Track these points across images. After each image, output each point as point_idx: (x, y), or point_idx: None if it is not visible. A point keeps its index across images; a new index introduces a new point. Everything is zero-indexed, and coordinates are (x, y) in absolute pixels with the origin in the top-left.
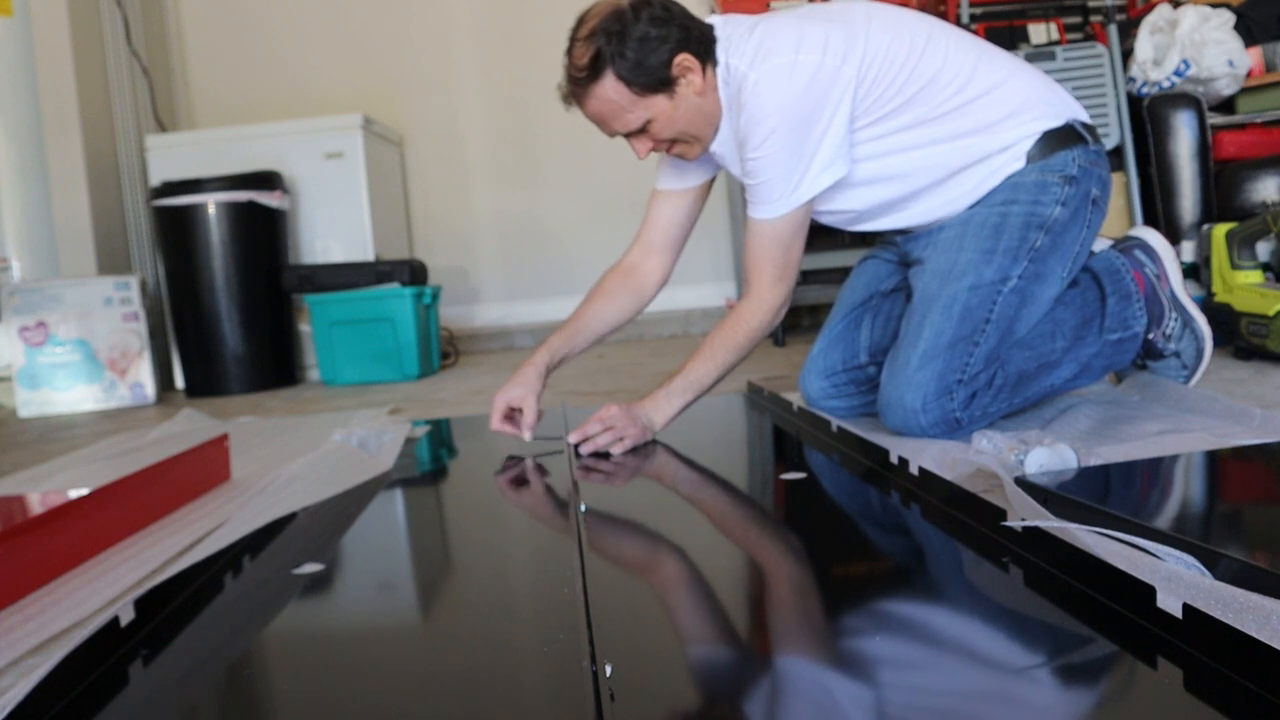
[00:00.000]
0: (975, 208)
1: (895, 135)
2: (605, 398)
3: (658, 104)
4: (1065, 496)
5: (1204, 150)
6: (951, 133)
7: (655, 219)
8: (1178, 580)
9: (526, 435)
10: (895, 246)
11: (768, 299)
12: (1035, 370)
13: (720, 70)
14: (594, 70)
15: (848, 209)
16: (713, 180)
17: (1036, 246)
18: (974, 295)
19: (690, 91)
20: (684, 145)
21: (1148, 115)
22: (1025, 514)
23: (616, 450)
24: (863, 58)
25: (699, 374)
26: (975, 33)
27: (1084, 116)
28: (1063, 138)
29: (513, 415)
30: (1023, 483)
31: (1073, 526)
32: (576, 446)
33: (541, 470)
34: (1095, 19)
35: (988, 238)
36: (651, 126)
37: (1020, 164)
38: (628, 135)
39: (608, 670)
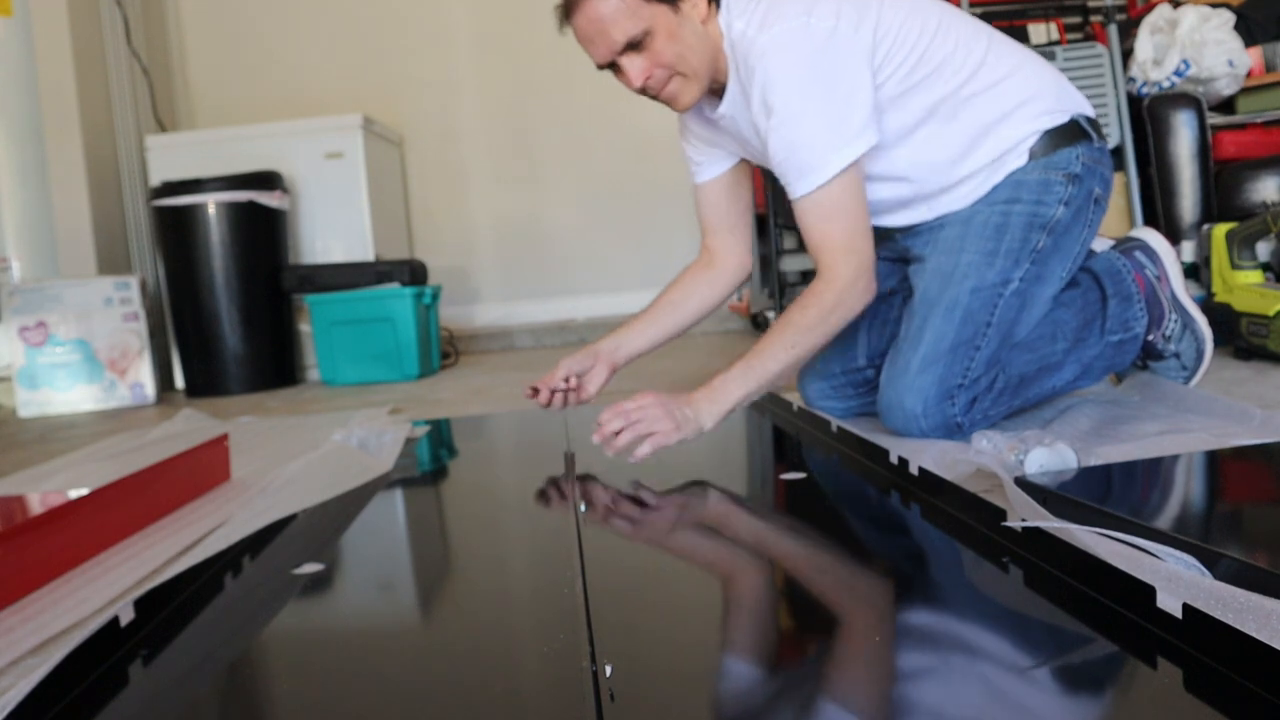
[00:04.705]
0: (977, 205)
1: (902, 123)
2: (606, 398)
3: (661, 15)
4: (1065, 496)
5: (1204, 150)
6: (958, 124)
7: (704, 206)
8: (1178, 580)
9: (552, 399)
10: (893, 242)
11: (841, 272)
12: (1036, 373)
13: (724, 28)
14: None
15: None
16: (744, 161)
17: (1039, 248)
18: (975, 298)
19: (695, 14)
20: (680, 80)
21: (1148, 115)
22: (1025, 514)
23: (640, 453)
24: (875, 31)
25: (763, 358)
26: None
27: (1089, 111)
28: (1067, 134)
29: (567, 389)
30: (1023, 483)
31: (1073, 527)
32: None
33: (542, 470)
34: (1095, 19)
35: (989, 238)
36: (651, 42)
37: (1023, 160)
38: (622, 54)
39: (608, 670)
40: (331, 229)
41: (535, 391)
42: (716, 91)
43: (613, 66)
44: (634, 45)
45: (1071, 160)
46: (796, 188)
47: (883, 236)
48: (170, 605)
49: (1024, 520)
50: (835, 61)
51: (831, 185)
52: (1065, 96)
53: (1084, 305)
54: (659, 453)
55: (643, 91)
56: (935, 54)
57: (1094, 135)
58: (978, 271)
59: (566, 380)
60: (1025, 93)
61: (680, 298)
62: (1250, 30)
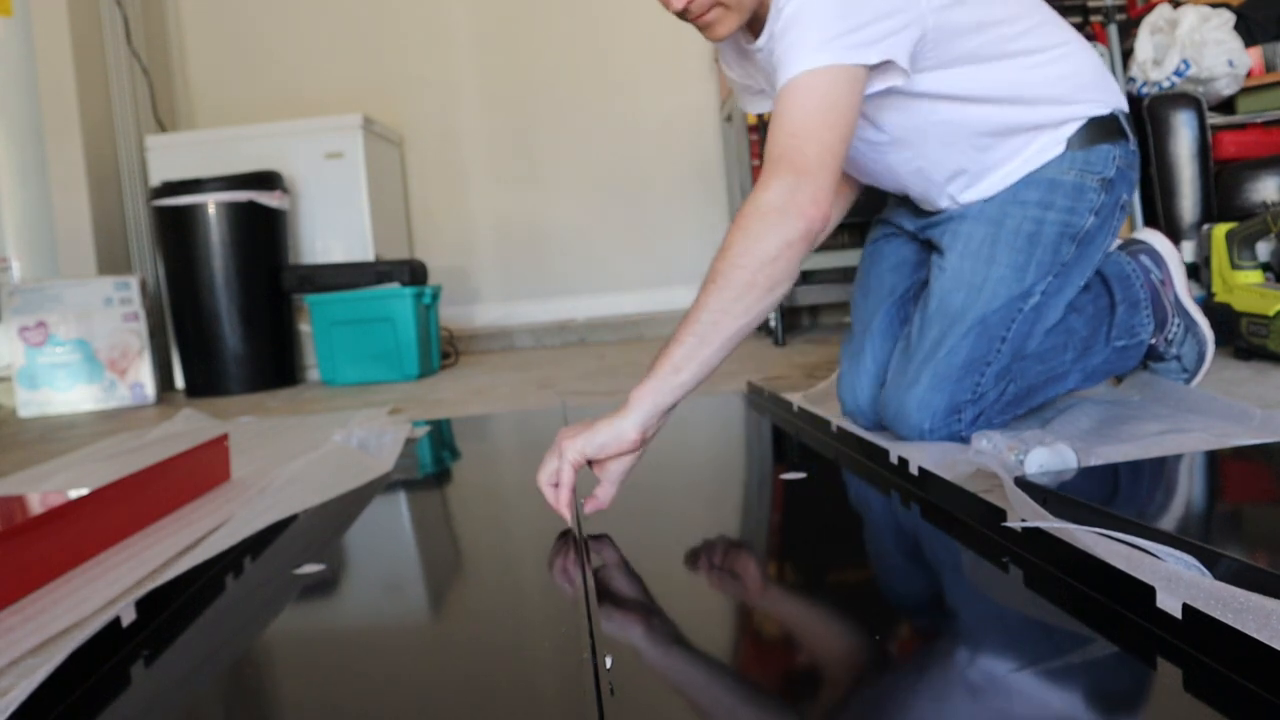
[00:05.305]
0: (1006, 204)
1: (957, 80)
2: (605, 398)
3: None
4: (1065, 496)
5: (1204, 150)
6: (1008, 88)
7: None
8: (1178, 580)
9: None
10: (909, 219)
11: (775, 183)
12: (1043, 383)
13: None
14: None
15: (878, 158)
16: None
17: (1065, 261)
18: (996, 314)
19: None
20: (722, 10)
21: (1148, 115)
22: (1025, 514)
23: (562, 480)
24: None
25: (693, 307)
26: None
27: (1125, 107)
28: (1105, 129)
29: None
30: (1023, 483)
31: (1073, 527)
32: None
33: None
34: (1095, 19)
35: (1021, 249)
36: None
37: (1059, 149)
38: None
39: (608, 663)
40: (331, 229)
41: None
42: (753, 25)
43: None
44: None
45: (1108, 162)
46: (793, 63)
47: (893, 226)
48: (172, 606)
49: (1024, 520)
50: None
51: (831, 71)
52: (1108, 87)
53: (1094, 312)
54: (657, 451)
55: (681, 14)
56: (994, 13)
57: (1129, 135)
58: (1005, 286)
59: None
60: (1078, 79)
61: None
62: (1250, 30)
